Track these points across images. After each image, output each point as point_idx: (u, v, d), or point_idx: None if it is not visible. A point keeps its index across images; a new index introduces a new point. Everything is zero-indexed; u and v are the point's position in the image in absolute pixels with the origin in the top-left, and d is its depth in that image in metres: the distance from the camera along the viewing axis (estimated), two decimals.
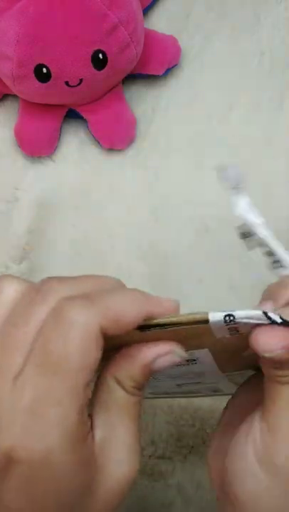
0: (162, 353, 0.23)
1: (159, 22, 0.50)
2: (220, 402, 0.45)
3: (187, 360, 0.26)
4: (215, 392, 0.36)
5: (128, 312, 0.21)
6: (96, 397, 0.24)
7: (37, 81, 0.40)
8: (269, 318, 0.22)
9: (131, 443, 0.23)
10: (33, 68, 0.40)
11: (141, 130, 0.49)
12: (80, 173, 0.48)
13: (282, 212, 0.48)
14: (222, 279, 0.47)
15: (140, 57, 0.44)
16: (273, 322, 0.22)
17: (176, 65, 0.48)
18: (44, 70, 0.40)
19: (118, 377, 0.23)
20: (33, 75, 0.40)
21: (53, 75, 0.40)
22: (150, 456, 0.45)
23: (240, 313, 0.22)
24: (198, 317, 0.22)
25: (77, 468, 0.21)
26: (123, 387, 0.23)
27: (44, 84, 0.41)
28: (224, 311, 0.22)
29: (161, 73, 0.47)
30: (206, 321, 0.22)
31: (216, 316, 0.22)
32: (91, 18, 0.38)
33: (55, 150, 0.48)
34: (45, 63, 0.39)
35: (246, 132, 0.49)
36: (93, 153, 0.48)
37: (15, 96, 0.45)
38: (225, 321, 0.22)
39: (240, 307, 0.25)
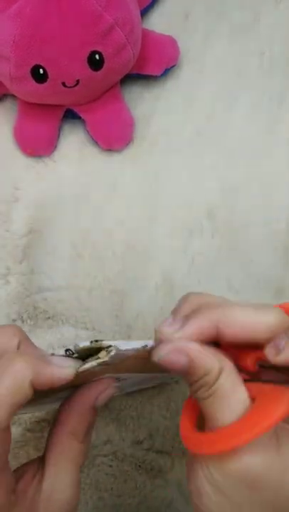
0: (101, 390, 0.29)
1: (159, 22, 0.50)
2: None
3: (119, 380, 0.31)
4: (156, 379, 0.40)
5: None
6: (50, 451, 0.29)
7: (34, 82, 0.40)
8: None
9: (74, 485, 0.29)
10: (29, 69, 0.40)
11: (140, 130, 0.49)
12: (80, 173, 0.48)
13: (282, 213, 0.48)
14: (221, 280, 0.47)
15: (138, 58, 0.44)
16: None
17: (174, 65, 0.47)
18: (41, 70, 0.40)
19: (73, 430, 0.29)
20: (30, 75, 0.40)
21: (49, 75, 0.40)
22: (148, 449, 0.45)
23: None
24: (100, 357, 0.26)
25: None
26: (77, 439, 0.29)
27: (41, 85, 0.41)
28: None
29: (159, 74, 0.46)
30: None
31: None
32: (87, 19, 0.38)
33: (54, 150, 0.48)
34: (42, 64, 0.39)
35: (246, 132, 0.49)
36: (93, 153, 0.49)
37: (14, 96, 0.45)
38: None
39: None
